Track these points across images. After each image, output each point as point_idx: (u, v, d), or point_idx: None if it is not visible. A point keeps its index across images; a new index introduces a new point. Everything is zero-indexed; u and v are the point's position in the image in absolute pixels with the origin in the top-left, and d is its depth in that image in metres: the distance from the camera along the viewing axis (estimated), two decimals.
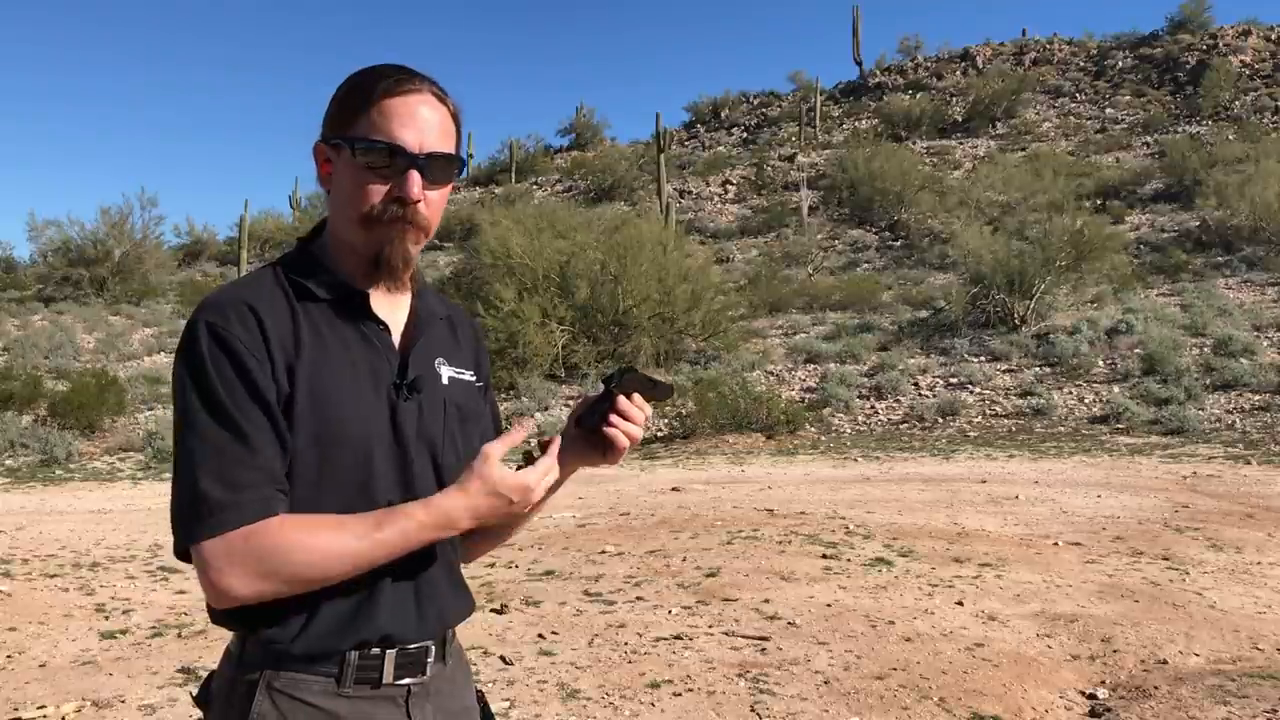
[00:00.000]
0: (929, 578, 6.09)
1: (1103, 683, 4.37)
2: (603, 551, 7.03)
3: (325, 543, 1.25)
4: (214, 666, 1.43)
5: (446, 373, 1.44)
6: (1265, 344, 17.12)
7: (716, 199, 36.63)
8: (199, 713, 1.40)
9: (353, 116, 1.35)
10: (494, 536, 1.56)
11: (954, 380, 17.20)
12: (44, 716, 4.11)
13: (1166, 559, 6.62)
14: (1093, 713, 4.08)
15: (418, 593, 1.37)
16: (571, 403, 17.54)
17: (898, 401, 16.71)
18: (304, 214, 35.74)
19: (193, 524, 1.24)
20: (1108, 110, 41.80)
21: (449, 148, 1.38)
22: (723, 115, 51.42)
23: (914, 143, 39.71)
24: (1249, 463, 11.58)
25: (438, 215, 1.40)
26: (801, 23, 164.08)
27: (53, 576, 6.68)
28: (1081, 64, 47.45)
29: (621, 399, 1.40)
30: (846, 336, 19.81)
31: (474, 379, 1.50)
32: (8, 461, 14.07)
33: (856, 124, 44.52)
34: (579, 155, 45.75)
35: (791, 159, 39.15)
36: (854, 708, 4.05)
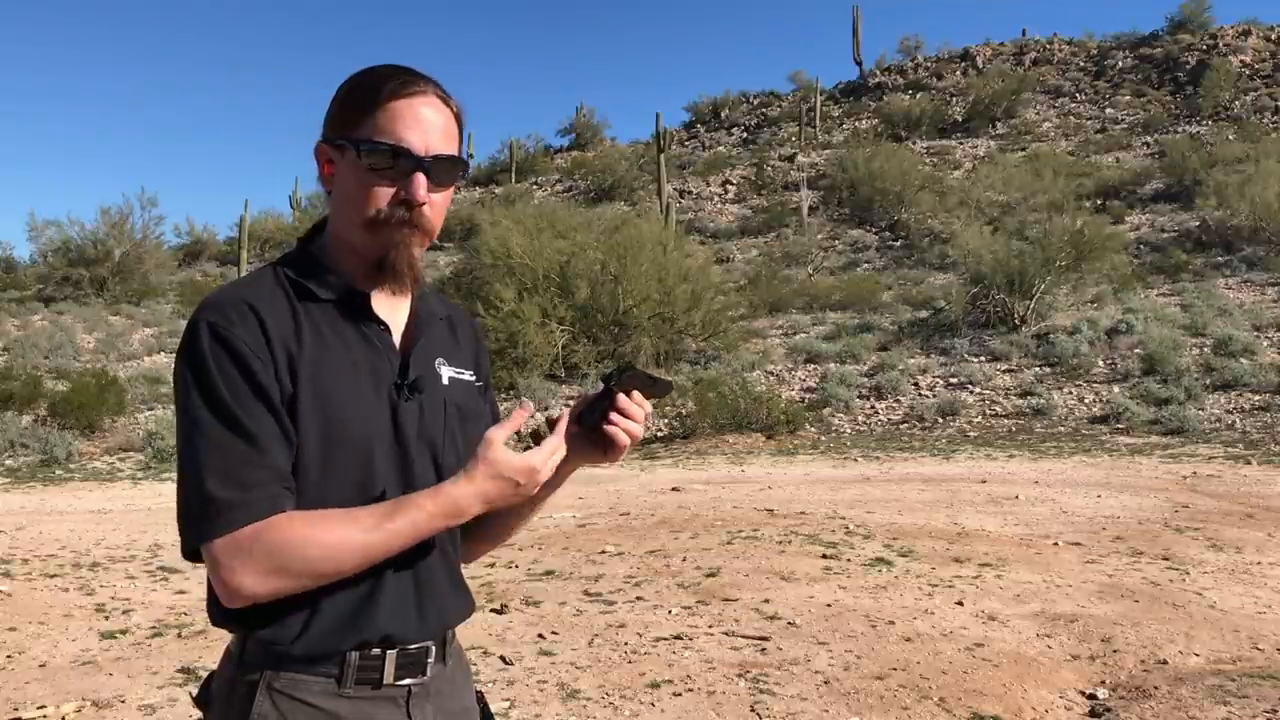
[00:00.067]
0: (929, 578, 6.09)
1: (1103, 683, 4.37)
2: (603, 551, 7.03)
3: (335, 536, 1.25)
4: (214, 666, 1.43)
5: (447, 373, 1.44)
6: (1265, 344, 17.12)
7: (716, 199, 36.63)
8: (199, 713, 1.40)
9: (357, 118, 1.34)
10: (495, 536, 1.55)
11: (954, 380, 17.20)
12: (44, 716, 4.11)
13: (1166, 559, 6.62)
14: (1093, 713, 4.08)
15: (418, 593, 1.37)
16: (571, 403, 17.44)
17: (898, 401, 16.71)
18: (304, 214, 35.72)
19: (201, 524, 1.24)
20: (1108, 110, 41.80)
21: (452, 150, 1.38)
22: (723, 115, 51.43)
23: (914, 143, 39.71)
24: (1249, 463, 11.58)
25: (441, 217, 1.40)
26: (801, 23, 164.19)
27: (53, 576, 6.68)
28: (1081, 64, 47.45)
29: (621, 397, 1.40)
30: (846, 336, 19.81)
31: (474, 379, 1.50)
32: (8, 461, 14.07)
33: (856, 124, 44.53)
34: (579, 155, 45.75)
35: (791, 159, 39.16)
36: (854, 708, 4.05)
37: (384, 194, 1.34)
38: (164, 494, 11.08)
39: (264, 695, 1.29)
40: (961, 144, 39.81)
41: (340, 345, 1.35)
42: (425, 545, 1.35)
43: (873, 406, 16.69)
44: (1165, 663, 4.56)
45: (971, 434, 14.89)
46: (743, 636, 4.97)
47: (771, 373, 18.70)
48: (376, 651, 1.33)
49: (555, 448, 1.36)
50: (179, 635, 5.28)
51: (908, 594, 5.73)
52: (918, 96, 45.57)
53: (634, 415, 1.41)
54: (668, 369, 18.70)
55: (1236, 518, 8.14)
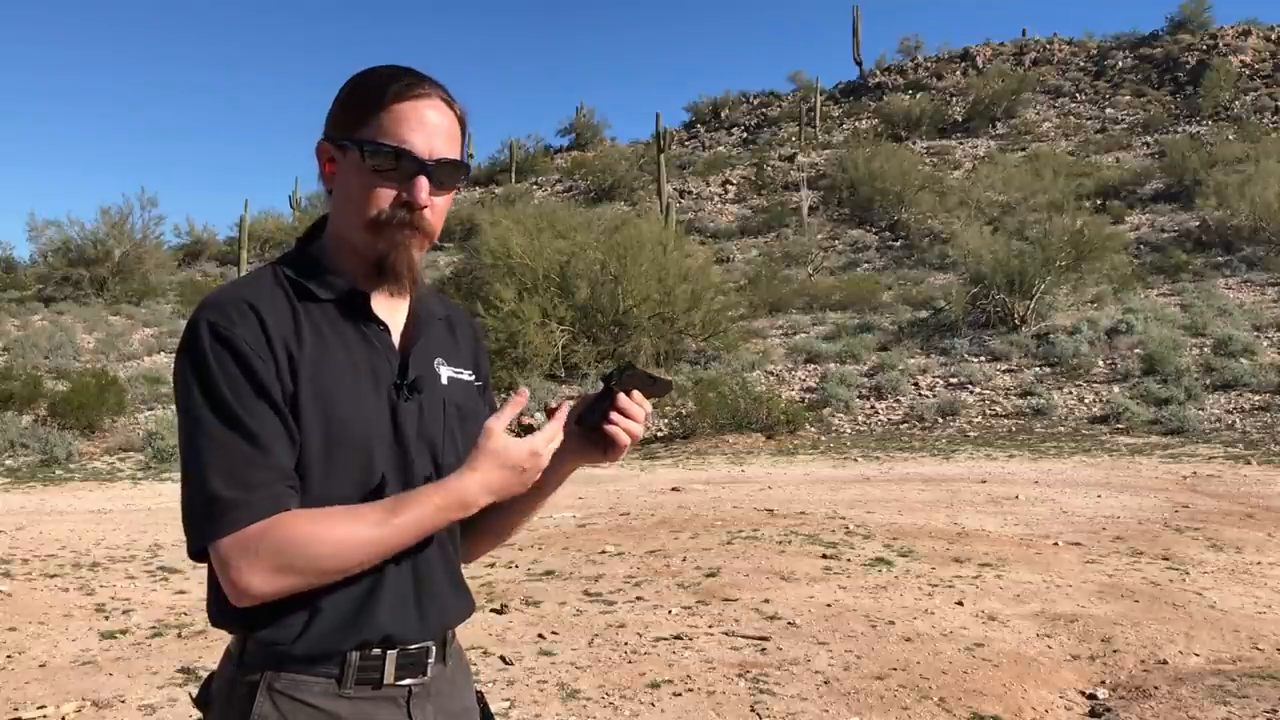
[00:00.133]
0: (929, 578, 6.09)
1: (1103, 683, 4.37)
2: (603, 551, 7.03)
3: (342, 533, 1.25)
4: (214, 667, 1.43)
5: (446, 373, 1.44)
6: (1265, 344, 17.12)
7: (716, 199, 36.64)
8: (199, 713, 1.40)
9: (362, 118, 1.34)
10: (495, 534, 1.56)
11: (954, 380, 17.21)
12: (44, 716, 4.11)
13: (1166, 559, 6.62)
14: (1093, 713, 4.08)
15: (418, 593, 1.36)
16: (571, 403, 17.45)
17: (898, 401, 16.71)
18: (304, 214, 35.70)
19: (206, 524, 1.24)
20: (1108, 110, 41.81)
21: (455, 153, 1.38)
22: (723, 115, 51.43)
23: (914, 143, 39.71)
24: (1249, 463, 11.58)
25: (441, 219, 1.40)
26: (801, 23, 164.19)
27: (53, 576, 6.68)
28: (1081, 64, 47.46)
29: (622, 396, 1.40)
30: (846, 336, 19.81)
31: (473, 378, 1.50)
32: (8, 461, 14.07)
33: (856, 124, 44.53)
34: (579, 155, 45.76)
35: (791, 159, 39.16)
36: (854, 708, 4.05)
37: (386, 195, 1.34)
38: (164, 494, 11.08)
39: (264, 696, 1.29)
40: (961, 144, 39.81)
41: (340, 345, 1.34)
42: (425, 544, 1.35)
43: (873, 406, 16.69)
44: (1165, 663, 4.56)
45: (971, 434, 14.89)
46: (743, 636, 4.97)
47: (771, 373, 18.70)
48: (377, 652, 1.33)
49: (555, 433, 1.37)
50: (179, 635, 5.28)
51: (908, 594, 5.73)
52: (918, 96, 45.57)
53: (634, 415, 1.42)
54: (668, 369, 18.70)
55: (1236, 518, 8.14)
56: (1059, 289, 19.77)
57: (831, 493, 9.73)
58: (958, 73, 48.59)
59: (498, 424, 1.34)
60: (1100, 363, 17.20)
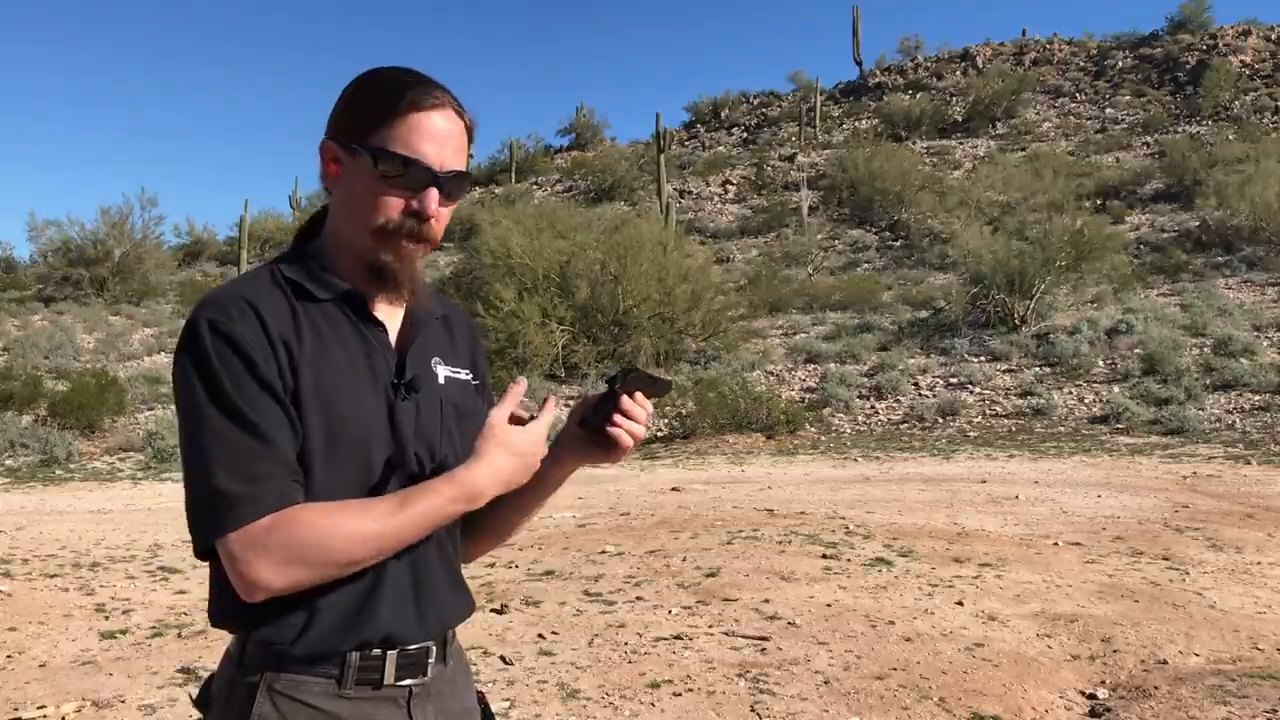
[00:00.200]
0: (929, 578, 6.09)
1: (1103, 683, 4.37)
2: (603, 551, 7.03)
3: (351, 525, 1.25)
4: (214, 667, 1.43)
5: (443, 372, 1.45)
6: (1265, 344, 17.12)
7: (716, 199, 36.64)
8: (199, 714, 1.40)
9: (374, 124, 1.33)
10: (496, 534, 1.56)
11: (954, 380, 17.21)
12: (44, 716, 4.11)
13: (1166, 559, 6.62)
14: (1093, 713, 4.08)
15: (417, 593, 1.36)
16: (571, 403, 17.54)
17: (898, 401, 16.71)
18: (304, 214, 35.65)
19: (213, 519, 1.23)
20: (1108, 110, 41.81)
21: (463, 164, 1.38)
22: (723, 115, 51.43)
23: (914, 143, 39.71)
24: (1249, 463, 11.58)
25: (444, 228, 1.41)
26: (801, 23, 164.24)
27: (53, 576, 6.68)
28: (1081, 64, 47.46)
29: (625, 398, 1.41)
30: (846, 336, 19.81)
31: (470, 378, 1.50)
32: (8, 461, 14.07)
33: (856, 124, 44.53)
34: (579, 155, 45.76)
35: (791, 159, 39.16)
36: (854, 708, 4.05)
37: (395, 204, 1.34)
38: (164, 494, 11.08)
39: (264, 696, 1.29)
40: (961, 144, 39.82)
41: (338, 344, 1.35)
42: (424, 545, 1.35)
43: (873, 406, 16.69)
44: (1165, 663, 4.56)
45: (971, 434, 14.89)
46: (743, 636, 4.97)
47: (771, 373, 18.70)
48: (377, 652, 1.33)
49: (550, 423, 1.39)
50: (179, 635, 5.28)
51: (908, 594, 5.73)
52: (918, 96, 45.56)
53: (637, 416, 1.43)
54: (668, 369, 18.70)
55: (1236, 518, 8.14)
56: (1059, 289, 19.77)
57: (831, 493, 9.73)
58: (958, 73, 48.59)
59: (499, 414, 1.35)
60: (1100, 363, 17.20)
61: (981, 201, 29.56)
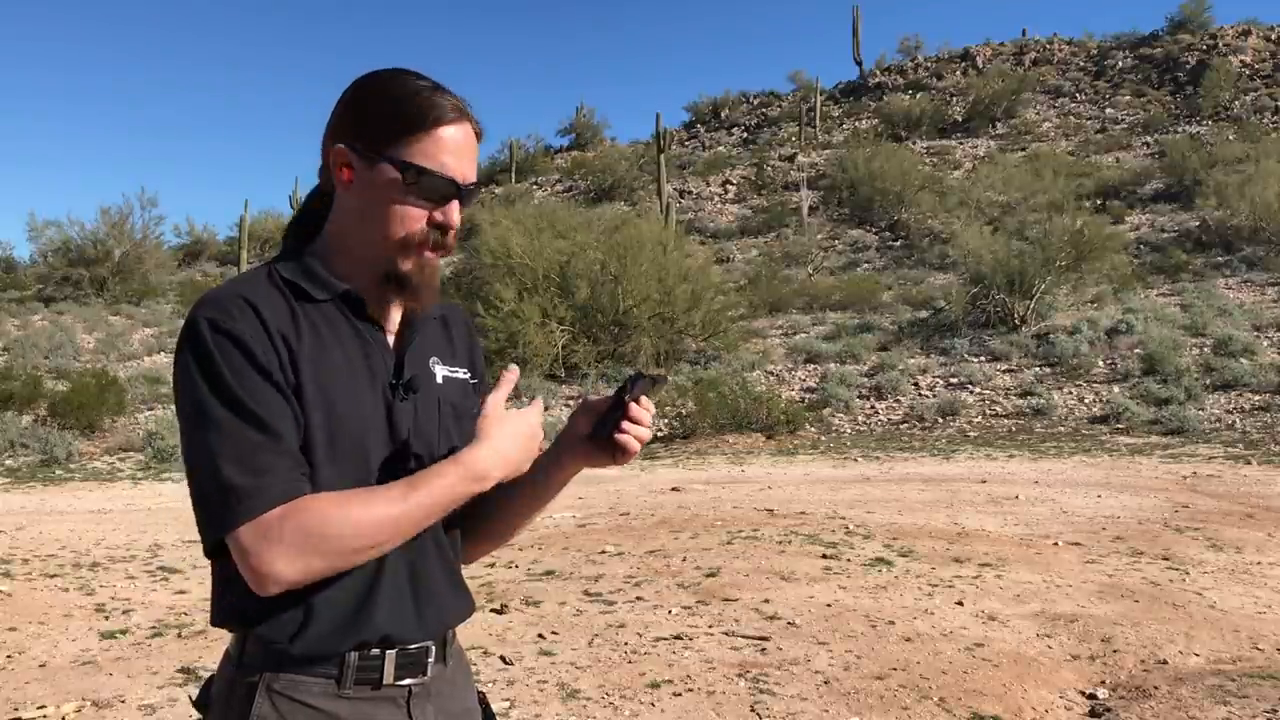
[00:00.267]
0: (929, 578, 6.09)
1: (1103, 683, 4.37)
2: (603, 551, 7.03)
3: (361, 512, 1.25)
4: (214, 667, 1.43)
5: (441, 372, 1.45)
6: (1265, 344, 17.12)
7: (716, 199, 36.64)
8: (199, 715, 1.40)
9: (398, 136, 1.33)
10: (498, 536, 1.56)
11: (954, 380, 17.21)
12: (44, 716, 4.11)
13: (1166, 559, 6.62)
14: (1093, 713, 4.08)
15: (416, 594, 1.36)
16: (572, 403, 17.60)
17: (898, 401, 16.71)
18: None
19: (224, 513, 1.23)
20: (1108, 110, 41.80)
21: (476, 174, 1.41)
22: (723, 115, 51.42)
23: (914, 143, 39.71)
24: (1249, 463, 11.58)
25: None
26: (801, 23, 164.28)
27: (53, 576, 6.68)
28: (1081, 64, 47.45)
29: (632, 405, 1.42)
30: (846, 336, 19.81)
31: (468, 377, 1.50)
32: (8, 461, 14.07)
33: (856, 124, 44.53)
34: (579, 155, 45.75)
35: (791, 159, 39.16)
36: (854, 708, 4.05)
37: (419, 216, 1.35)
38: (164, 494, 11.08)
39: (263, 697, 1.29)
40: (961, 144, 39.82)
41: (336, 344, 1.35)
42: (423, 545, 1.36)
43: (873, 406, 16.69)
44: (1165, 663, 4.56)
45: (971, 434, 14.89)
46: (743, 636, 4.97)
47: (771, 373, 18.70)
48: (376, 652, 1.33)
49: (540, 409, 1.43)
50: (179, 635, 5.28)
51: (908, 594, 5.73)
52: (918, 96, 45.56)
53: (643, 420, 1.44)
54: (668, 369, 18.70)
55: (1236, 518, 8.14)
56: (1059, 289, 19.77)
57: (831, 493, 9.73)
58: (958, 73, 48.59)
59: (497, 399, 1.38)
60: (1100, 363, 17.20)
61: (981, 201, 29.56)
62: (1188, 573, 6.23)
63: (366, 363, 1.36)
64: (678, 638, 4.97)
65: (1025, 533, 7.61)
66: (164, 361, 20.53)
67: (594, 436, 1.44)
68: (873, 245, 30.09)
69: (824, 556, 6.68)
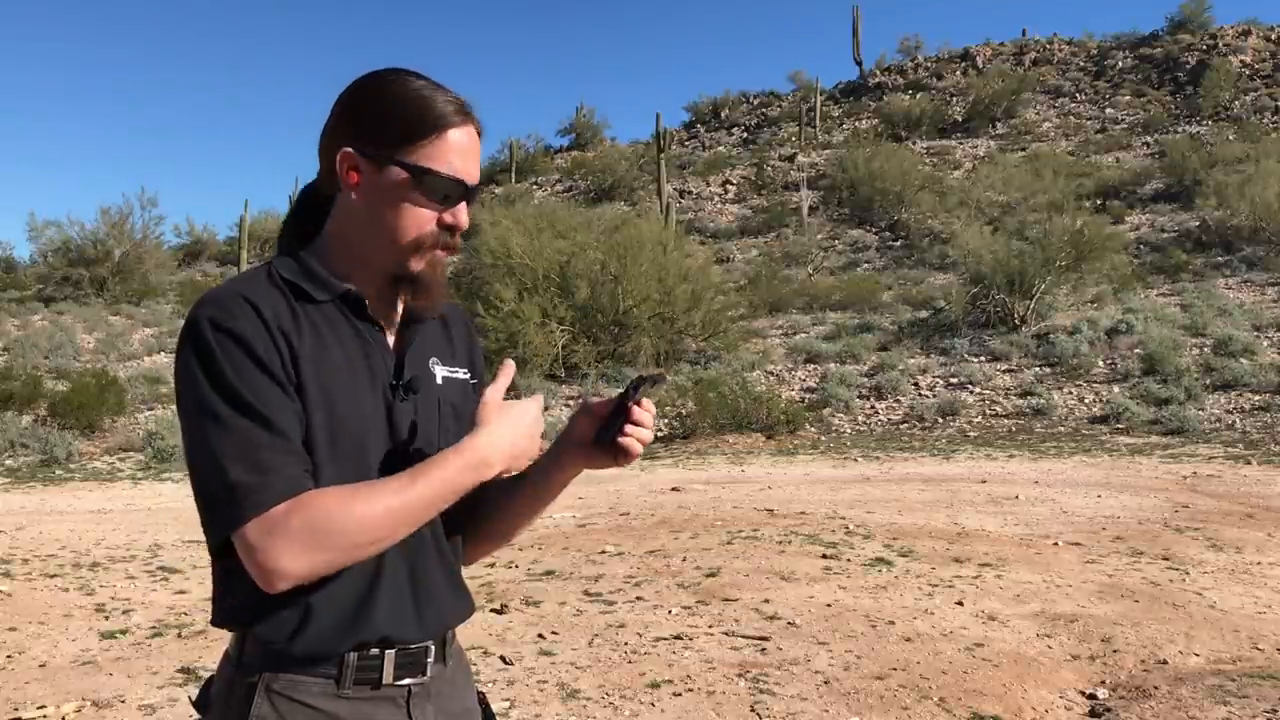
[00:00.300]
0: (929, 578, 6.09)
1: (1103, 683, 4.37)
2: (603, 551, 7.04)
3: (364, 505, 1.25)
4: (214, 667, 1.43)
5: (441, 372, 1.45)
6: (1265, 344, 17.12)
7: (716, 199, 36.64)
8: (198, 716, 1.40)
9: (407, 139, 1.34)
10: (499, 536, 1.56)
11: (954, 380, 17.21)
12: (44, 716, 4.11)
13: (1166, 559, 6.62)
14: (1093, 713, 4.08)
15: (415, 594, 1.36)
16: (572, 403, 17.61)
17: (898, 401, 16.71)
18: None
19: (229, 511, 1.23)
20: (1108, 110, 41.80)
21: (479, 173, 1.42)
22: (723, 115, 51.41)
23: (914, 143, 39.71)
24: (1249, 463, 11.58)
25: None
26: (801, 23, 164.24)
27: (53, 576, 6.68)
28: (1081, 64, 47.45)
29: (635, 409, 1.43)
30: (846, 336, 19.81)
31: (468, 376, 1.51)
32: (8, 461, 14.07)
33: (856, 124, 44.53)
34: (579, 155, 45.75)
35: (791, 159, 39.16)
36: (854, 708, 4.05)
37: (429, 218, 1.36)
38: (164, 494, 11.08)
39: (263, 697, 1.29)
40: (961, 144, 39.81)
41: (336, 344, 1.35)
42: (422, 546, 1.36)
43: (873, 406, 16.69)
44: (1165, 663, 4.56)
45: (971, 434, 14.89)
46: (743, 636, 4.97)
47: (771, 373, 18.70)
48: (375, 652, 1.33)
49: (539, 402, 1.44)
50: (179, 635, 5.28)
51: (908, 594, 5.73)
52: (918, 96, 45.56)
53: (645, 423, 1.44)
54: (668, 369, 18.69)
55: (1236, 518, 8.14)
56: (1059, 289, 19.77)
57: (831, 493, 9.73)
58: (958, 73, 48.58)
59: (495, 391, 1.39)
60: (1100, 363, 17.20)
61: (981, 201, 29.56)
62: (1188, 573, 6.23)
63: (367, 363, 1.36)
64: (678, 638, 4.97)
65: (1025, 533, 7.61)
66: (164, 361, 20.53)
67: (598, 442, 1.44)
68: (873, 245, 30.09)
69: (824, 556, 6.68)
